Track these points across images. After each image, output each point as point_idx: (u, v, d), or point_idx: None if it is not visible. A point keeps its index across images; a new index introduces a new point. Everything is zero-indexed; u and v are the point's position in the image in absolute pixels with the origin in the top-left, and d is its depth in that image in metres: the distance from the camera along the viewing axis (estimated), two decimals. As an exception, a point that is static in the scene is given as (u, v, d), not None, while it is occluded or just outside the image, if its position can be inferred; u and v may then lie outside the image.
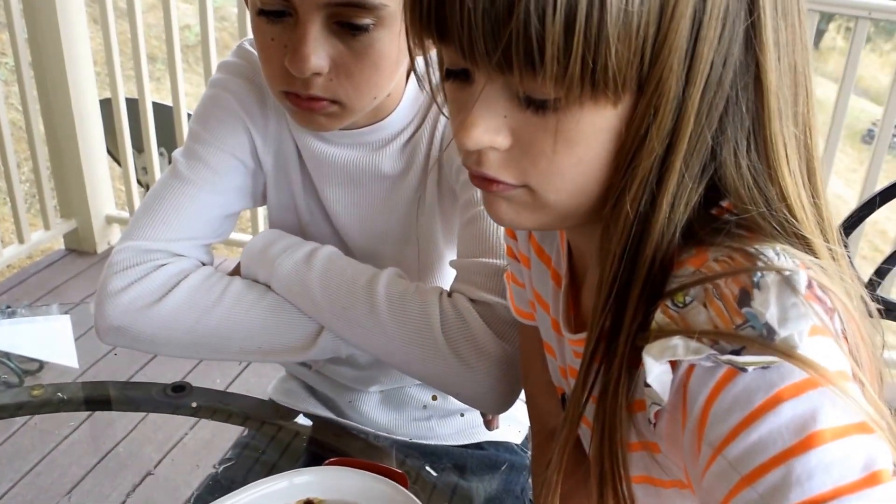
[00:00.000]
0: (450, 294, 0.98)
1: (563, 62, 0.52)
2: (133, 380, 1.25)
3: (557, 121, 0.55)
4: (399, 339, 0.96)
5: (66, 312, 1.33)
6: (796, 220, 0.57)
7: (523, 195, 0.60)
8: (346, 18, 0.87)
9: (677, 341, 0.53)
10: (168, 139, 2.99)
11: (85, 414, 1.40)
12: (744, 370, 0.51)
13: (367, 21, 0.87)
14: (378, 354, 0.99)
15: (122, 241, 1.02)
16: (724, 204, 0.59)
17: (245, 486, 0.83)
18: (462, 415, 1.24)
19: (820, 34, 10.93)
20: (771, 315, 0.51)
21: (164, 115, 2.98)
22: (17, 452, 1.70)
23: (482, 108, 0.57)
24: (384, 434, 1.22)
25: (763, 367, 0.51)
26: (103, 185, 3.20)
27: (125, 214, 3.20)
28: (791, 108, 0.58)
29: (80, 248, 3.23)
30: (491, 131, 0.57)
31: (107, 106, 3.03)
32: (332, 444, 1.08)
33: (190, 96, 3.27)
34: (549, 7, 0.51)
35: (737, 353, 0.51)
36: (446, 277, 1.11)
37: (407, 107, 1.03)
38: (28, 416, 1.17)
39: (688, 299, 0.55)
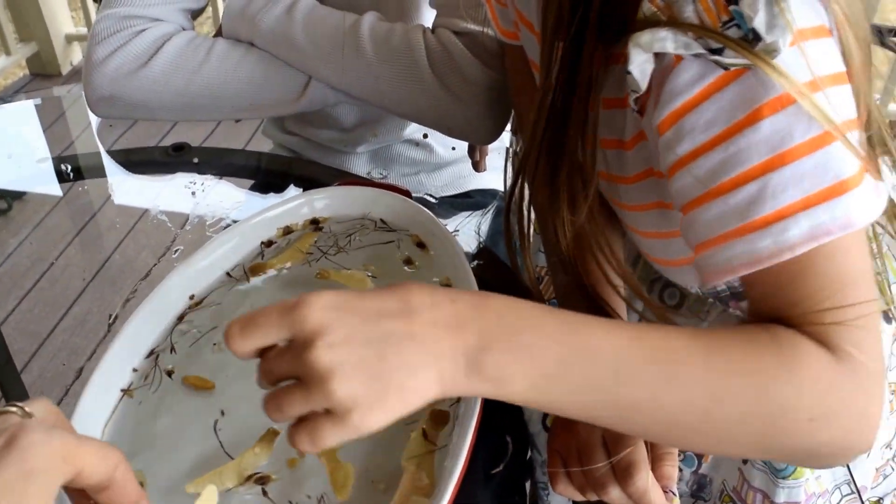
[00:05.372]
0: (433, 30, 1.00)
1: None
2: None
3: None
4: (387, 78, 0.99)
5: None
6: None
7: None
8: None
9: (666, 34, 0.53)
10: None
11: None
12: (725, 68, 0.52)
13: None
14: (368, 97, 1.02)
15: (102, 11, 1.03)
16: None
17: (268, 206, 0.85)
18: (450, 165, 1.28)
19: None
20: (759, 21, 0.50)
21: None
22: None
23: None
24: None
25: (746, 77, 0.51)
26: (59, 5, 3.10)
27: (84, 31, 3.12)
28: None
29: (44, 71, 3.17)
30: None
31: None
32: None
33: None
34: None
35: (719, 52, 0.51)
36: (427, 19, 1.11)
37: None
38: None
39: None
